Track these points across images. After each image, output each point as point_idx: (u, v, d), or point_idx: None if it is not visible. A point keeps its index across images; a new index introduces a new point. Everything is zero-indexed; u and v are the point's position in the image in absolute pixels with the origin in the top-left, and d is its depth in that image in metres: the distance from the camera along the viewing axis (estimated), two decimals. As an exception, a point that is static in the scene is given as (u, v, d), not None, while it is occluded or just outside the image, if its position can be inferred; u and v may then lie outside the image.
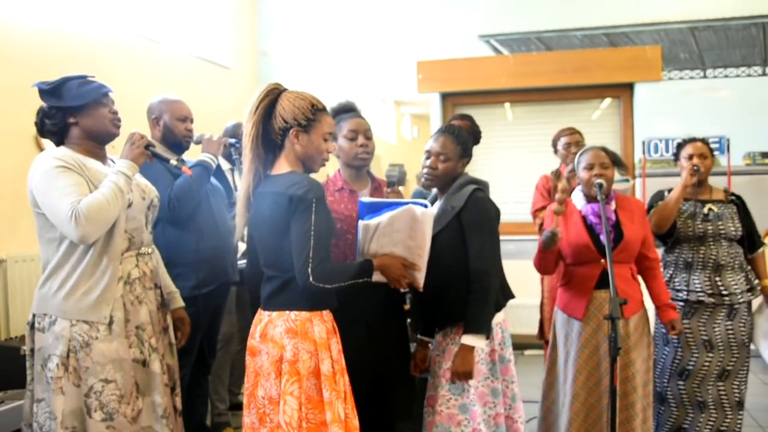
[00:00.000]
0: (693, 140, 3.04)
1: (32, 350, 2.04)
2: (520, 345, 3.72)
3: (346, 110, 2.45)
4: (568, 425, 2.57)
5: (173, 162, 2.34)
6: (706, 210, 2.95)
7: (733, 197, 3.04)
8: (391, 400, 2.33)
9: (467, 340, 2.13)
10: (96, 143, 2.12)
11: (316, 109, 1.92)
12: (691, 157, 2.97)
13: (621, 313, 2.12)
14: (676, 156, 3.09)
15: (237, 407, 3.77)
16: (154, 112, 2.73)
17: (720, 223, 2.92)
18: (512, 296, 2.39)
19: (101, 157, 2.14)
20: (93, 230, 1.92)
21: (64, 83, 2.07)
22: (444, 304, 2.24)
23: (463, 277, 2.17)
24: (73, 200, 1.91)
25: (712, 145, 4.88)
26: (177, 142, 2.74)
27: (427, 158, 2.29)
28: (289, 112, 1.90)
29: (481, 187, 2.27)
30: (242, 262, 3.02)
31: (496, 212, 2.26)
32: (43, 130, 2.12)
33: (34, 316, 2.04)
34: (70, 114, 2.07)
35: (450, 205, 2.23)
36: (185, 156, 2.86)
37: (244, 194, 1.93)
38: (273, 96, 1.93)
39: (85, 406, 1.96)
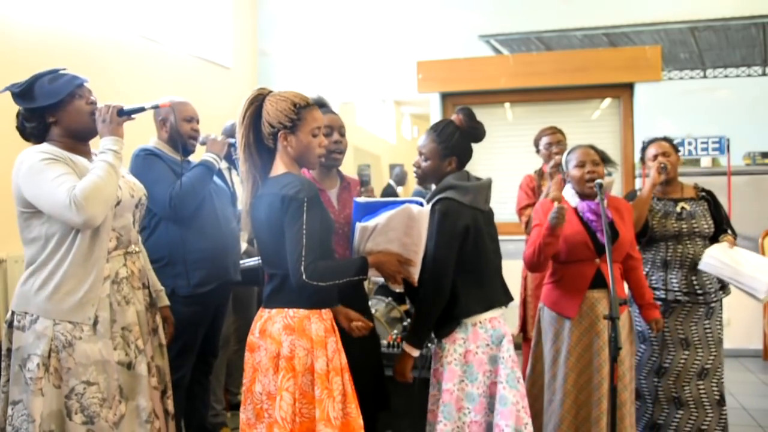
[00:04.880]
0: (655, 140, 3.10)
1: (9, 350, 1.95)
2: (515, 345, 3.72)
3: (318, 105, 2.32)
4: (558, 423, 2.58)
5: (147, 107, 2.15)
6: (678, 209, 2.99)
7: (703, 193, 3.07)
8: (368, 393, 2.27)
9: (405, 346, 2.18)
10: (78, 140, 2.06)
11: (298, 108, 1.93)
12: (655, 157, 3.03)
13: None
14: (642, 158, 3.15)
15: (236, 407, 3.78)
16: (161, 113, 2.73)
17: (693, 221, 2.95)
18: (508, 299, 2.29)
19: (86, 153, 2.08)
20: (95, 212, 1.87)
21: (35, 82, 2.00)
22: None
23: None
24: (68, 187, 1.85)
25: (712, 145, 4.96)
26: (183, 143, 2.76)
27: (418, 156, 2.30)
28: (273, 116, 1.91)
29: (456, 194, 2.15)
30: (244, 262, 3.04)
31: (452, 225, 2.12)
32: (25, 133, 2.06)
33: (13, 313, 1.96)
34: (47, 113, 2.00)
35: None
36: (192, 157, 2.88)
37: (246, 201, 1.97)
38: (258, 102, 1.95)
39: (65, 408, 1.89)
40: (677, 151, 3.10)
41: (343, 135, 2.37)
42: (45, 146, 1.99)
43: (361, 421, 1.93)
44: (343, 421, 1.88)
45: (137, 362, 2.02)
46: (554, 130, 3.57)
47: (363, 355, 2.26)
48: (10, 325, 1.97)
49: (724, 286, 3.01)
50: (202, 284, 2.66)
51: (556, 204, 2.44)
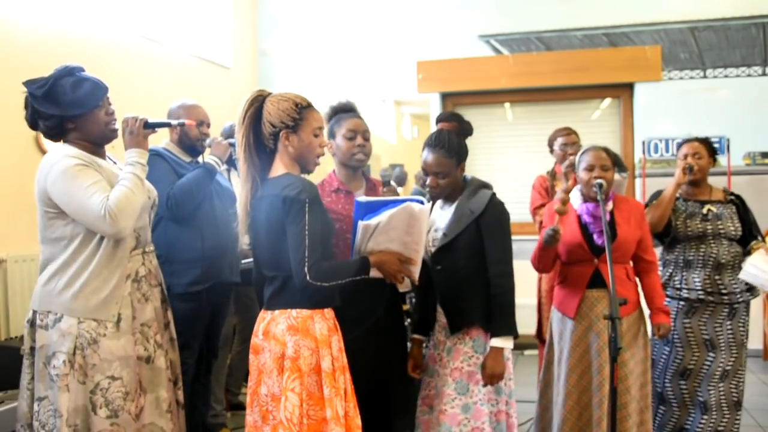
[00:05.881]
0: (689, 140, 3.06)
1: (32, 348, 2.02)
2: (519, 345, 3.71)
3: (346, 110, 2.47)
4: (561, 424, 2.58)
5: (173, 123, 2.40)
6: (705, 210, 2.96)
7: (732, 197, 3.04)
8: (391, 400, 2.33)
9: (497, 342, 2.17)
10: (95, 145, 2.11)
11: (300, 108, 1.94)
12: (685, 157, 3.00)
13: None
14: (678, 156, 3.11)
15: (237, 407, 3.78)
16: (172, 116, 2.82)
17: (719, 222, 2.92)
18: None
19: (101, 155, 2.14)
20: (126, 224, 1.96)
21: (55, 84, 2.01)
22: (461, 307, 2.26)
23: (479, 280, 2.21)
24: (101, 198, 1.92)
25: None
26: (192, 145, 2.84)
27: (426, 174, 2.31)
28: (275, 116, 1.92)
29: (492, 191, 2.31)
30: (245, 262, 3.04)
31: (509, 218, 2.31)
32: (35, 125, 2.08)
33: (34, 313, 2.02)
34: (67, 119, 2.04)
35: (468, 209, 2.24)
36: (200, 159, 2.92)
37: (243, 202, 1.97)
38: (258, 103, 1.96)
39: (90, 403, 1.96)
40: (714, 153, 3.04)
41: (367, 139, 2.42)
42: (72, 149, 2.02)
43: (359, 421, 1.93)
44: (345, 420, 1.88)
45: (156, 356, 2.11)
46: (569, 131, 3.59)
47: (397, 360, 2.33)
48: (32, 324, 2.02)
49: (751, 288, 2.94)
50: (196, 283, 2.70)
51: (555, 219, 2.47)
